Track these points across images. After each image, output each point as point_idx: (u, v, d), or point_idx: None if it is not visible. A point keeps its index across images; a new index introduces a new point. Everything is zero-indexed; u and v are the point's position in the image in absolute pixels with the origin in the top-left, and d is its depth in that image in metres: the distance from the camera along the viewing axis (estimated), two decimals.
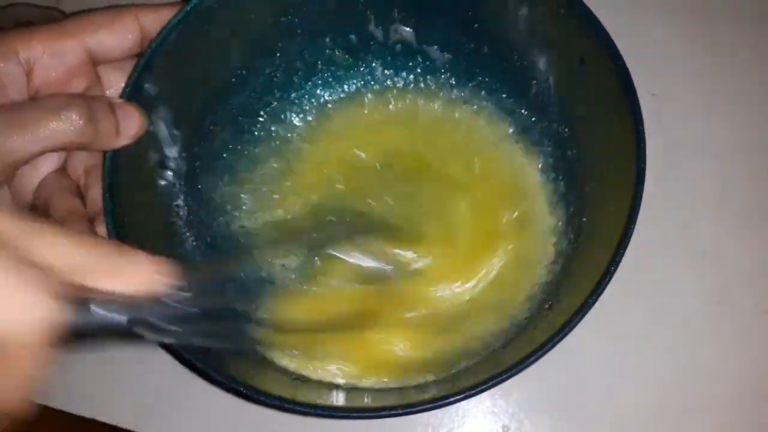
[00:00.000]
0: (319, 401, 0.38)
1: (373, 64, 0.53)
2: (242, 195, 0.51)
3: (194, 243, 0.48)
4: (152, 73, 0.42)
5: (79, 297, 0.20)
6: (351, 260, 0.45)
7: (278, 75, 0.51)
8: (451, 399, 0.35)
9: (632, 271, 0.46)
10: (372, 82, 0.53)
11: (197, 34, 0.44)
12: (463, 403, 0.46)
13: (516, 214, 0.49)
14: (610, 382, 0.46)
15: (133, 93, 0.41)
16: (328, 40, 0.51)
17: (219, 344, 0.29)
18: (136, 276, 0.22)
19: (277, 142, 0.52)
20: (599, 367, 0.47)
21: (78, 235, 0.21)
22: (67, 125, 0.33)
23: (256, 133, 0.52)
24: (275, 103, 0.52)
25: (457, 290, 0.47)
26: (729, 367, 0.46)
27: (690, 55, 0.55)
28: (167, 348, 0.37)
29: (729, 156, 0.52)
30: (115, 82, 0.41)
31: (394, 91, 0.53)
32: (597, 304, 0.36)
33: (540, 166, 0.49)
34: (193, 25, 0.43)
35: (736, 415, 0.45)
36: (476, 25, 0.48)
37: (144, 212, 0.43)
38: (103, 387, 0.48)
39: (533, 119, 0.49)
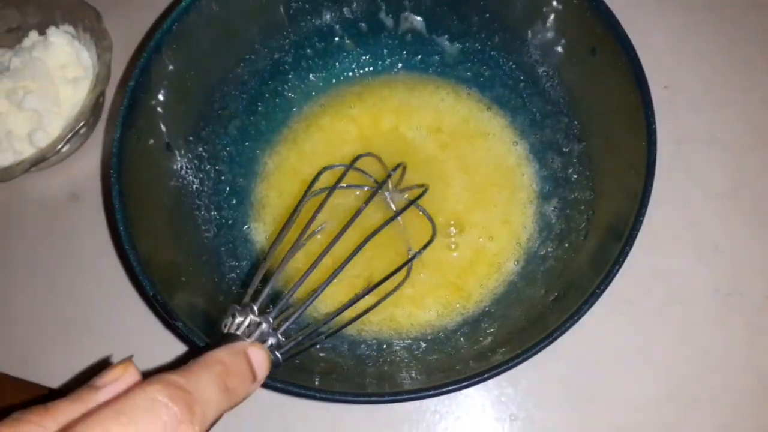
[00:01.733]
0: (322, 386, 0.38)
1: (382, 53, 0.53)
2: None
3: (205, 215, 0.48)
4: (161, 55, 0.43)
5: None
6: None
7: (287, 60, 0.51)
8: (455, 386, 0.35)
9: (642, 261, 0.46)
10: (381, 70, 0.53)
11: (207, 17, 0.44)
12: (471, 390, 0.46)
13: (523, 202, 0.49)
14: (618, 372, 0.46)
15: (141, 75, 0.42)
16: (338, 27, 0.51)
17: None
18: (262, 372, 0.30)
19: (283, 128, 0.53)
20: (607, 356, 0.47)
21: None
22: None
23: (261, 117, 0.52)
24: (281, 88, 0.52)
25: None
26: (738, 357, 0.46)
27: (703, 48, 0.55)
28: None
29: (740, 148, 0.52)
30: None
31: (402, 80, 0.53)
32: (606, 294, 0.36)
33: (549, 157, 0.49)
34: (203, 7, 0.44)
35: (744, 404, 0.45)
36: (488, 14, 0.48)
37: (152, 194, 0.44)
38: None
39: (544, 111, 0.49)
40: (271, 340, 0.32)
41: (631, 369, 0.46)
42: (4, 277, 0.54)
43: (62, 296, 0.52)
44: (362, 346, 0.46)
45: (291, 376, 0.36)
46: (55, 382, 0.49)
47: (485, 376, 0.34)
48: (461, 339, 0.45)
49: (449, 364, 0.42)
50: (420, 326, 0.47)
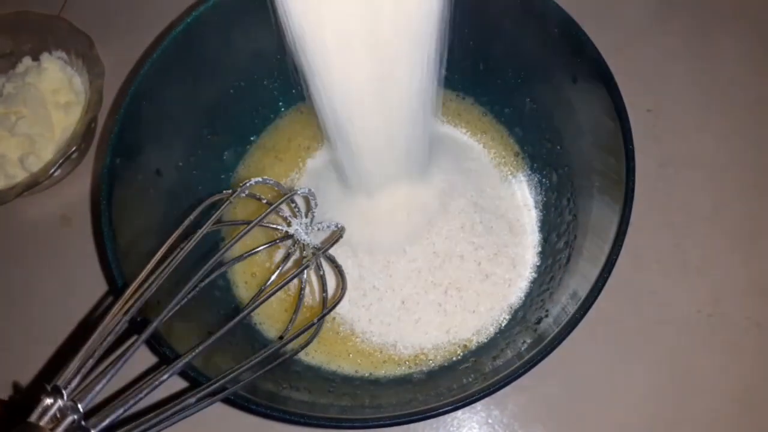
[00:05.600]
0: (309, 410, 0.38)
1: None
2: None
3: None
4: (151, 84, 0.43)
5: None
6: None
7: (276, 87, 0.52)
8: (442, 410, 0.35)
9: (625, 284, 0.46)
10: None
11: (197, 46, 0.45)
12: (459, 413, 0.47)
13: (507, 229, 0.50)
14: (603, 393, 0.47)
15: (131, 104, 0.42)
16: None
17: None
18: None
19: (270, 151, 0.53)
20: (593, 378, 0.47)
21: None
22: None
23: (252, 143, 0.53)
24: (273, 114, 0.53)
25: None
26: (720, 378, 0.47)
27: (685, 72, 0.56)
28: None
29: (722, 171, 0.52)
30: None
31: None
32: (590, 316, 0.37)
33: (531, 182, 0.50)
34: (193, 37, 0.44)
35: (727, 425, 0.46)
36: (471, 42, 0.49)
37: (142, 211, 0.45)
38: None
39: (527, 137, 0.50)
40: (73, 417, 0.27)
41: (615, 390, 0.47)
42: None
43: (52, 317, 0.52)
44: (348, 368, 0.47)
45: (275, 400, 0.36)
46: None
47: (468, 400, 0.34)
48: (441, 361, 0.46)
49: (432, 387, 0.42)
50: (410, 351, 0.47)
